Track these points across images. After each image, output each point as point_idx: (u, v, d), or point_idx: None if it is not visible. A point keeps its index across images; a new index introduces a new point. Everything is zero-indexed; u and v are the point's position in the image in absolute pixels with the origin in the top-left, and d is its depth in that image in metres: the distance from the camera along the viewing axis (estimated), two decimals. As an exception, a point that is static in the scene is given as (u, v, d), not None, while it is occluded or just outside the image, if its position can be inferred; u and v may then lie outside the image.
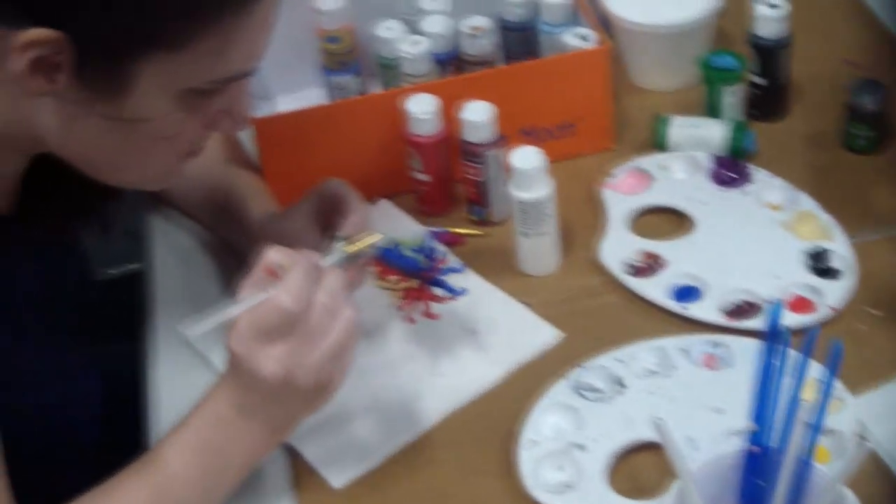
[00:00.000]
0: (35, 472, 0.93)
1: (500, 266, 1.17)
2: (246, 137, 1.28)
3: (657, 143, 1.24)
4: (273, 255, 0.91)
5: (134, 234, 1.33)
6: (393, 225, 1.19)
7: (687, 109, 1.27)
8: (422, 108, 1.17)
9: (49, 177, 1.00)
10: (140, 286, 1.26)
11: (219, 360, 1.11)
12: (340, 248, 0.96)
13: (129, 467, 0.93)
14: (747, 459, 0.87)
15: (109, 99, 0.84)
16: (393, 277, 1.02)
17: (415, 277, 1.02)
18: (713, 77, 1.23)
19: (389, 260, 1.02)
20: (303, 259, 0.90)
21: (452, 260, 1.11)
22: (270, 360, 0.88)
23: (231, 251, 1.22)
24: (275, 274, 0.90)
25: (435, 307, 1.04)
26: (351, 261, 1.03)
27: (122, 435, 1.19)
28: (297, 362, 0.88)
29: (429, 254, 1.02)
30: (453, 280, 1.05)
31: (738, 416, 0.95)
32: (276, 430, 0.94)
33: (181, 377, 1.12)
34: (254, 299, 0.89)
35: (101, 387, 1.27)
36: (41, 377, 0.97)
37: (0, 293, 0.89)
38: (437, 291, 1.04)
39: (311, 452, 1.02)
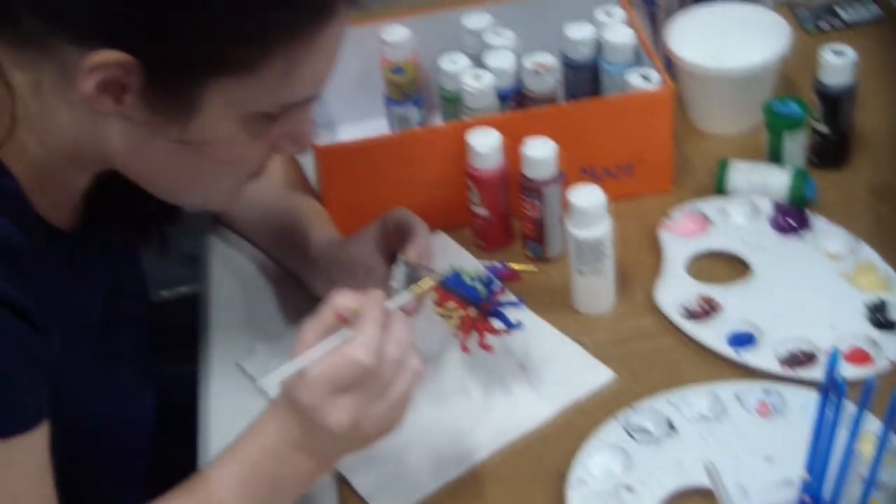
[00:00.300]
0: (84, 490, 0.94)
1: (554, 303, 1.17)
2: (307, 164, 1.30)
3: (717, 188, 1.24)
4: (342, 299, 0.91)
5: (191, 256, 1.34)
6: (449, 257, 1.20)
7: (748, 155, 1.27)
8: (484, 143, 1.17)
9: (111, 195, 1.02)
10: (196, 309, 1.28)
11: (270, 387, 1.11)
12: (406, 292, 0.97)
13: (176, 489, 0.94)
14: (799, 510, 0.86)
15: (175, 121, 0.85)
16: (451, 304, 1.02)
17: (473, 306, 1.02)
18: (777, 123, 1.23)
19: (450, 287, 1.02)
20: (373, 307, 0.90)
21: (511, 294, 1.11)
22: (338, 411, 0.88)
23: (289, 276, 1.23)
24: (344, 319, 0.90)
25: (490, 339, 1.04)
26: (410, 282, 1.04)
27: (172, 457, 1.20)
28: (364, 413, 0.89)
29: (489, 284, 1.03)
30: (511, 313, 1.05)
31: (790, 466, 0.95)
32: (328, 464, 0.95)
33: (234, 401, 1.13)
34: (324, 348, 0.89)
35: (154, 408, 1.28)
36: (95, 395, 0.98)
37: (59, 310, 0.90)
38: (495, 323, 1.04)
39: (360, 482, 1.03)
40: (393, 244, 1.11)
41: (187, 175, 0.91)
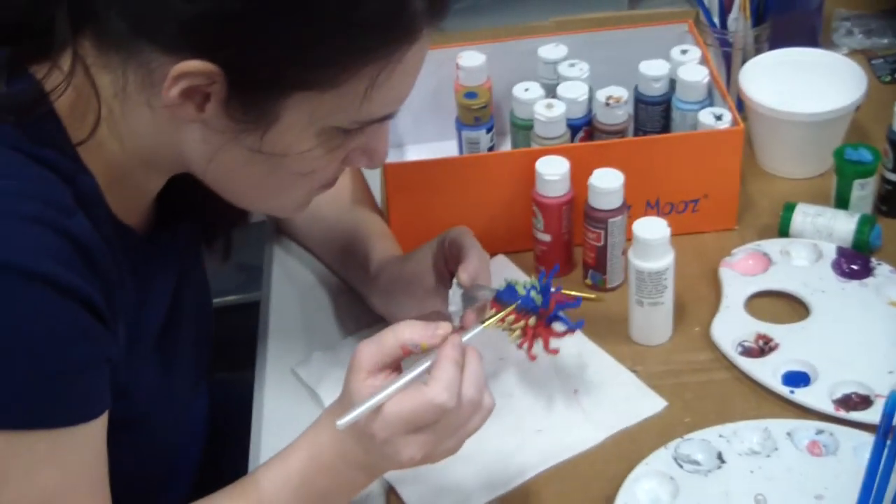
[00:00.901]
0: (135, 489, 0.95)
1: (610, 332, 1.17)
2: (372, 180, 1.32)
3: (781, 229, 1.24)
4: (409, 332, 0.91)
5: (245, 266, 1.36)
6: (502, 280, 1.21)
7: (812, 199, 1.27)
8: (552, 170, 1.18)
9: (181, 198, 1.04)
10: (248, 318, 1.29)
11: (326, 394, 1.13)
12: (480, 326, 0.98)
13: (225, 490, 0.95)
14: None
15: (254, 131, 0.87)
16: (510, 318, 1.03)
17: (532, 315, 1.03)
18: (846, 169, 1.23)
19: (505, 300, 1.04)
20: (450, 345, 0.91)
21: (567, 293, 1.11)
22: (411, 448, 0.90)
23: (347, 287, 1.24)
24: (409, 353, 0.91)
25: (551, 346, 1.04)
26: (469, 304, 1.05)
27: (222, 462, 1.21)
28: (436, 450, 0.91)
29: (544, 291, 1.04)
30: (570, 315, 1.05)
31: (839, 505, 0.95)
32: (378, 476, 0.97)
33: (288, 408, 1.14)
34: (400, 383, 0.89)
35: (206, 411, 1.30)
36: (151, 394, 0.99)
37: (125, 308, 0.92)
38: (556, 327, 1.05)
39: (408, 494, 1.04)
40: (449, 263, 1.12)
41: (261, 183, 0.93)
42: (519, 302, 1.03)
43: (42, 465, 0.83)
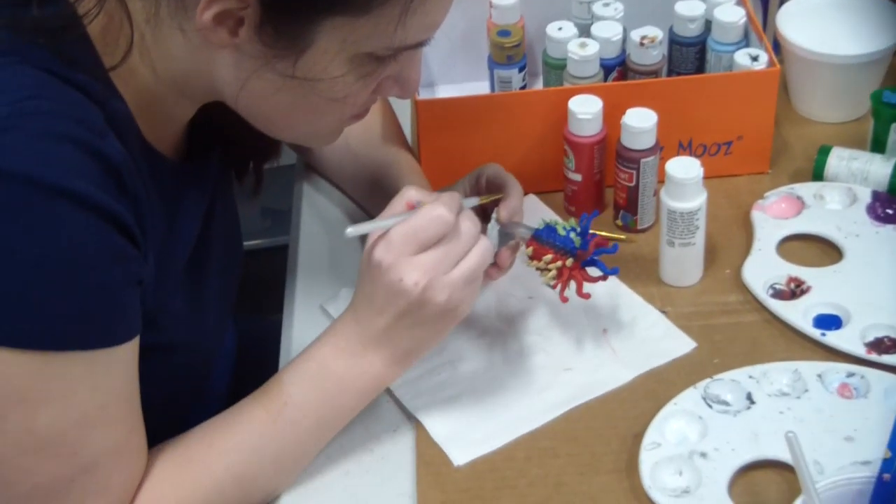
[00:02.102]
0: (159, 421, 0.95)
1: (640, 273, 1.17)
2: (403, 119, 1.31)
3: (815, 173, 1.23)
4: (414, 192, 0.95)
5: (270, 210, 1.36)
6: (539, 219, 1.21)
7: (847, 143, 1.26)
8: (584, 109, 1.17)
9: (214, 128, 1.03)
10: (278, 261, 1.29)
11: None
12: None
13: (251, 395, 0.97)
14: (877, 486, 0.86)
15: (287, 56, 0.86)
16: (548, 256, 1.03)
17: (569, 256, 1.03)
18: (883, 113, 1.22)
19: (544, 239, 1.03)
20: (450, 194, 0.95)
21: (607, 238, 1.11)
22: (415, 269, 0.92)
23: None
24: (412, 208, 0.94)
25: (586, 289, 1.04)
26: (504, 241, 1.05)
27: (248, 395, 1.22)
28: (437, 275, 0.93)
29: (583, 234, 1.03)
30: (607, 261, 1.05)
31: (870, 448, 0.95)
32: (397, 360, 0.97)
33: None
34: (406, 216, 0.93)
35: (234, 351, 1.30)
36: (180, 322, 0.99)
37: (156, 234, 0.92)
38: (591, 272, 1.05)
39: (436, 430, 1.04)
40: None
41: (293, 110, 0.93)
42: (558, 243, 1.03)
43: (79, 387, 0.84)
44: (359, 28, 0.85)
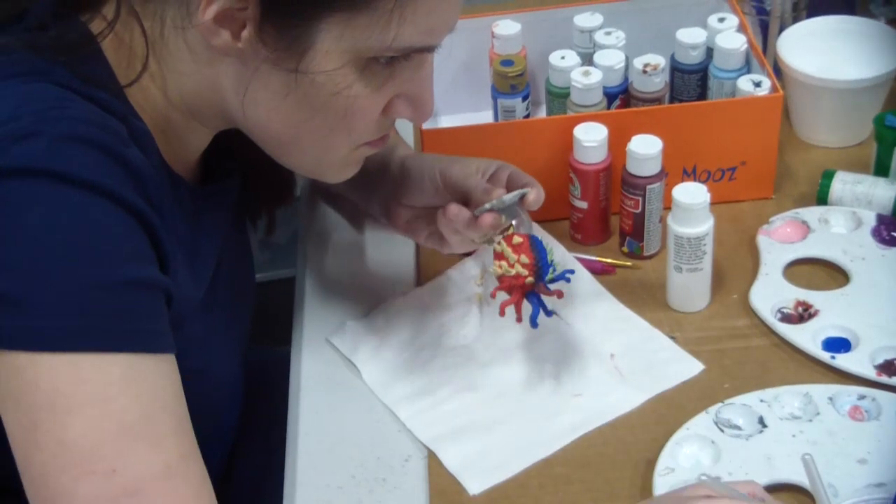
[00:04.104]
0: None
1: (648, 299, 1.17)
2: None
3: (819, 197, 1.24)
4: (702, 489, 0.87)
5: (275, 244, 1.36)
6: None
7: (849, 167, 1.26)
8: (590, 136, 1.18)
9: (230, 163, 1.04)
10: (279, 294, 1.29)
11: (360, 362, 1.13)
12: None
13: None
14: (892, 508, 0.86)
15: (288, 59, 0.87)
16: (524, 258, 1.02)
17: (535, 276, 1.02)
18: (886, 136, 1.22)
19: (532, 244, 1.03)
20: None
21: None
22: None
23: (380, 256, 1.24)
24: None
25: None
26: (506, 215, 1.05)
27: (257, 434, 1.22)
28: None
29: (561, 277, 1.04)
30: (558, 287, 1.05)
31: (884, 470, 0.95)
32: None
33: (324, 376, 1.14)
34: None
35: (243, 382, 1.29)
36: (192, 354, 0.98)
37: (192, 255, 0.92)
38: (531, 299, 1.04)
39: (449, 458, 1.04)
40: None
41: (300, 122, 0.92)
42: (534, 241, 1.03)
43: (117, 394, 0.79)
44: (358, 25, 0.86)
